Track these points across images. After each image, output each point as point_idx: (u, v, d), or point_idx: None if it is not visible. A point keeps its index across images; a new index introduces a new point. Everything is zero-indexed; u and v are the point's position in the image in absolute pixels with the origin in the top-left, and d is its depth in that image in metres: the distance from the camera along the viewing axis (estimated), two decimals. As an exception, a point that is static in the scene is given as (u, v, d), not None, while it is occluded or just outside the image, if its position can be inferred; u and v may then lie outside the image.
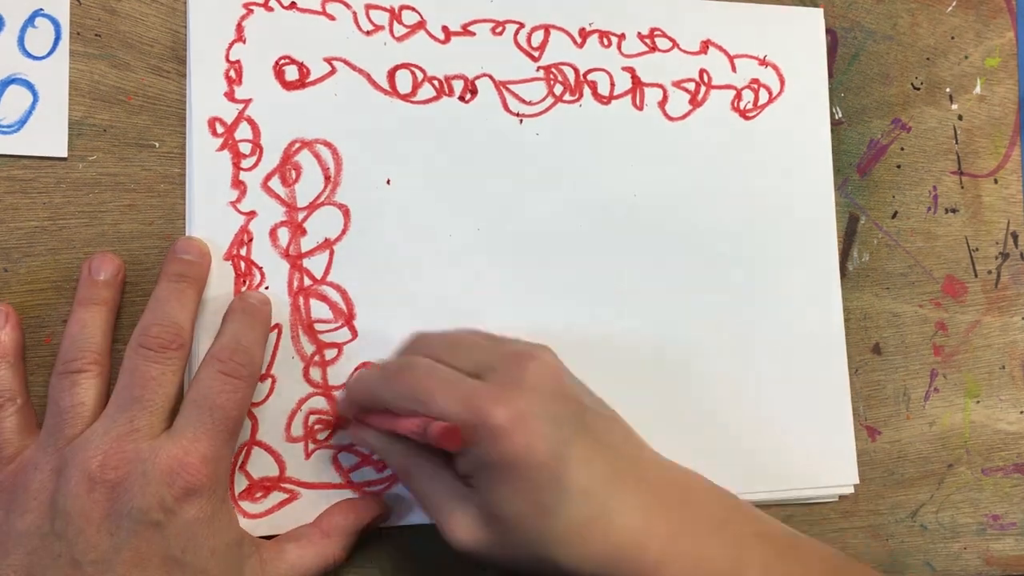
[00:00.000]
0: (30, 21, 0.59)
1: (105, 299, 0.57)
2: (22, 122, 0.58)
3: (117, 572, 0.50)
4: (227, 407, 0.54)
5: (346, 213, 0.62)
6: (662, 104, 0.69)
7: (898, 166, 0.75)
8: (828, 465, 0.70)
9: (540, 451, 0.50)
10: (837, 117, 0.74)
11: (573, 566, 0.50)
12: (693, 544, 0.52)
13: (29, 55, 0.59)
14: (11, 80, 0.58)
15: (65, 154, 0.59)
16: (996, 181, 0.77)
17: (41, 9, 0.59)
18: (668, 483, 0.55)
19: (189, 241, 0.59)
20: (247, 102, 0.61)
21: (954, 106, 0.77)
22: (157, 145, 0.61)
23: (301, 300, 0.61)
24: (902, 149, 0.75)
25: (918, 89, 0.76)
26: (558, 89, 0.67)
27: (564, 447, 0.51)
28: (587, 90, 0.68)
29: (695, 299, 0.68)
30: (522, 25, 0.67)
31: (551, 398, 0.53)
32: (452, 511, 0.53)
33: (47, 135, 0.59)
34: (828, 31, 0.74)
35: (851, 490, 0.70)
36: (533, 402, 0.52)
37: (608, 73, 0.68)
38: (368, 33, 0.64)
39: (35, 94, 0.59)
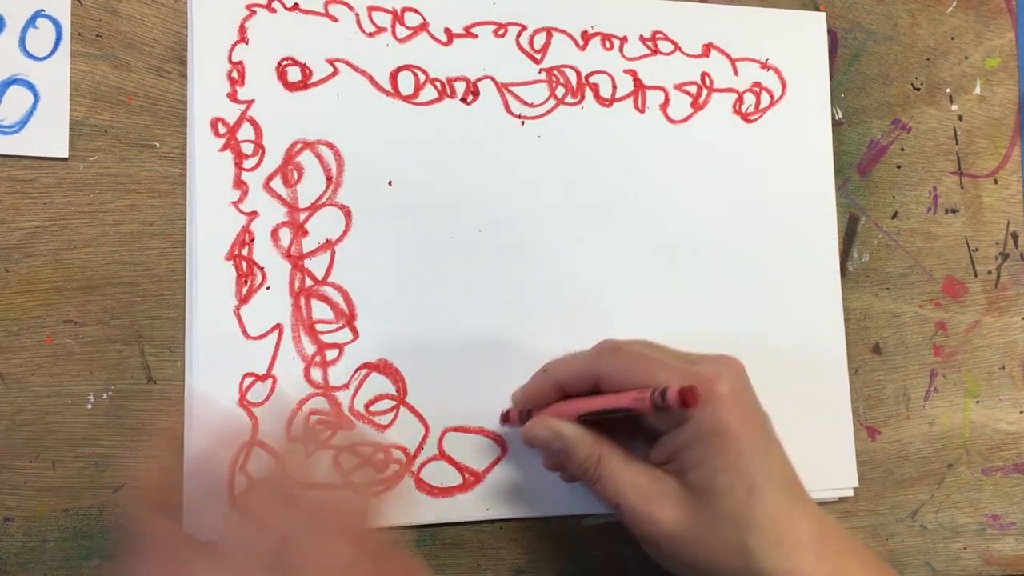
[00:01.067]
0: (31, 22, 0.59)
1: None
2: (23, 122, 0.58)
3: None
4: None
5: (347, 214, 0.62)
6: (664, 107, 0.69)
7: (898, 166, 0.75)
8: (828, 467, 0.70)
9: (754, 427, 0.54)
10: (837, 117, 0.74)
11: (764, 564, 0.52)
12: (854, 569, 0.54)
13: (30, 55, 0.59)
14: (12, 80, 0.58)
15: (66, 154, 0.59)
16: (996, 181, 0.77)
17: (42, 10, 0.59)
18: (822, 513, 0.56)
19: None
20: (249, 103, 0.62)
21: (954, 106, 0.77)
22: (158, 145, 0.61)
23: (302, 300, 0.61)
24: (902, 149, 0.75)
25: (918, 90, 0.76)
26: (560, 91, 0.67)
27: (766, 433, 0.55)
28: (589, 92, 0.68)
29: (696, 300, 0.68)
30: (524, 27, 0.67)
31: (751, 391, 0.56)
32: (650, 495, 0.55)
33: (48, 135, 0.59)
34: (828, 32, 0.74)
35: (852, 484, 0.70)
36: (746, 385, 0.56)
37: (610, 76, 0.68)
38: (370, 35, 0.64)
39: (36, 94, 0.59)
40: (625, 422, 0.57)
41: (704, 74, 0.70)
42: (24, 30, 0.59)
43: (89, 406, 0.59)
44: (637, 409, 0.54)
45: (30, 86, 0.59)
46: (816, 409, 0.70)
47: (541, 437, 0.59)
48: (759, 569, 0.52)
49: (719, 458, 0.53)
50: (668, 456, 0.55)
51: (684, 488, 0.55)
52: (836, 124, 0.73)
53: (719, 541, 0.53)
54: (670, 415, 0.54)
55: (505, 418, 0.63)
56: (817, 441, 0.69)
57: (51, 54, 0.59)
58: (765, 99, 0.71)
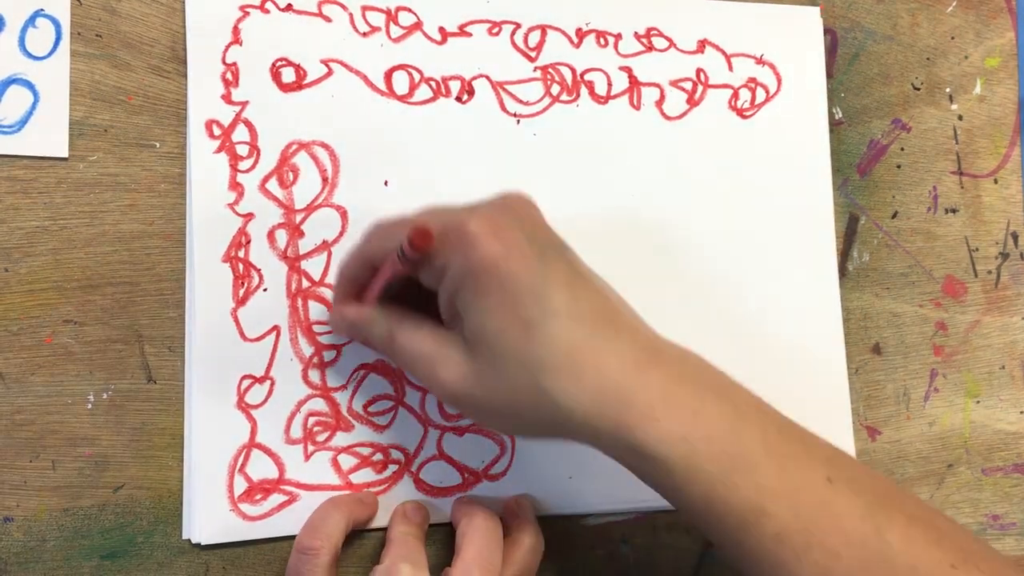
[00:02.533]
0: (31, 21, 0.59)
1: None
2: (23, 122, 0.58)
3: None
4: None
5: (344, 215, 0.63)
6: (659, 104, 0.69)
7: (898, 166, 0.75)
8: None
9: (518, 259, 0.49)
10: (837, 117, 0.73)
11: (566, 402, 0.49)
12: (689, 399, 0.50)
13: (30, 55, 0.59)
14: (12, 80, 0.58)
15: (66, 154, 0.59)
16: (996, 181, 0.77)
17: (42, 9, 0.59)
18: (663, 344, 0.53)
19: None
20: (244, 104, 0.62)
21: (954, 106, 0.77)
22: (158, 145, 0.61)
23: (299, 302, 0.61)
24: (902, 149, 0.75)
25: (918, 89, 0.76)
26: (555, 89, 0.67)
27: (545, 265, 0.50)
28: (584, 90, 0.68)
29: (694, 299, 0.68)
30: (519, 25, 0.67)
31: (531, 224, 0.52)
32: (436, 357, 0.53)
33: (48, 135, 0.59)
34: (828, 31, 0.73)
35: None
36: (510, 219, 0.50)
37: (605, 73, 0.68)
38: (364, 34, 0.64)
39: (36, 94, 0.59)
40: (428, 294, 0.54)
41: (699, 70, 0.70)
42: (24, 30, 0.59)
43: (89, 406, 0.59)
44: (402, 271, 0.52)
45: (30, 86, 0.59)
46: (816, 409, 0.69)
47: (342, 327, 0.60)
48: (565, 408, 0.49)
49: (483, 299, 0.49)
50: (448, 313, 0.52)
51: (466, 344, 0.51)
52: (836, 124, 0.73)
53: (512, 388, 0.50)
54: (431, 269, 0.51)
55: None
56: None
57: (51, 54, 0.59)
58: (760, 95, 0.71)
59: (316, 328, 0.62)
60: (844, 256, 0.72)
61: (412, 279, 0.53)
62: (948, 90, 0.77)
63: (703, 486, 0.49)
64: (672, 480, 0.49)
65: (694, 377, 0.51)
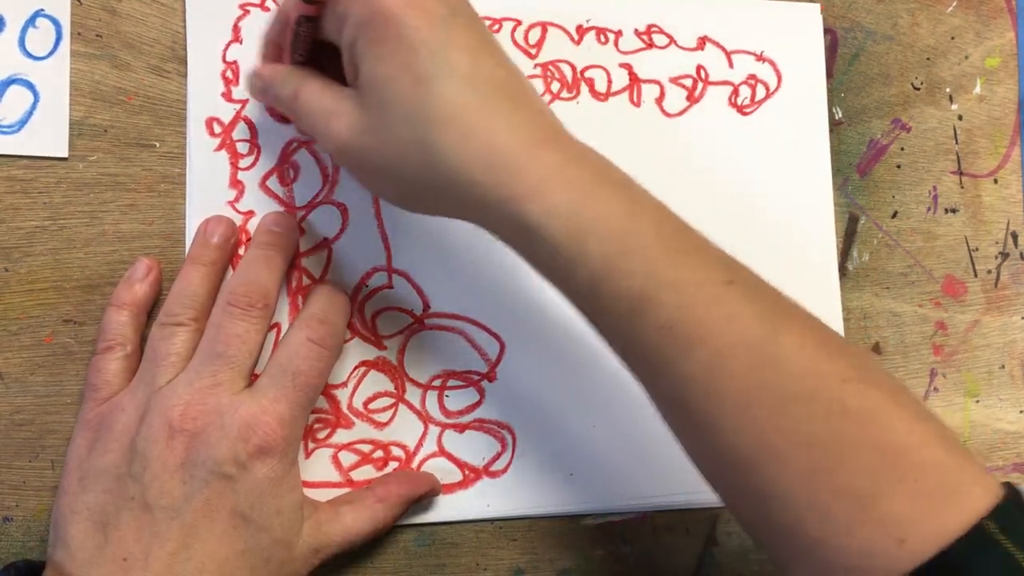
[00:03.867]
0: (31, 21, 0.59)
1: (214, 260, 0.58)
2: (23, 122, 0.58)
3: (186, 520, 0.51)
4: (310, 374, 0.55)
5: (344, 212, 0.62)
6: (659, 100, 0.69)
7: (898, 166, 0.75)
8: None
9: (420, 13, 0.48)
10: (837, 117, 0.73)
11: (453, 162, 0.47)
12: (585, 180, 0.48)
13: (30, 55, 0.59)
14: (12, 80, 0.58)
15: (66, 154, 0.59)
16: (996, 181, 0.77)
17: (42, 9, 0.59)
18: (565, 132, 0.51)
19: (279, 216, 0.60)
20: (244, 102, 0.62)
21: (954, 106, 0.77)
22: (157, 145, 0.61)
23: (300, 299, 0.61)
24: (902, 149, 0.75)
25: (918, 89, 0.76)
26: (555, 86, 0.67)
27: (449, 26, 0.48)
28: (584, 87, 0.68)
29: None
30: (519, 22, 0.67)
31: None
32: (332, 110, 0.51)
33: (48, 135, 0.59)
34: (828, 31, 0.73)
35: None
36: None
37: (605, 70, 0.68)
38: (365, 32, 0.64)
39: (36, 94, 0.59)
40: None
41: (699, 67, 0.70)
42: (24, 30, 0.59)
43: (88, 405, 0.59)
44: (303, 11, 0.52)
45: (30, 86, 0.59)
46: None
47: (253, 86, 0.59)
48: (447, 169, 0.47)
49: (377, 47, 0.48)
50: (350, 67, 0.51)
51: (360, 95, 0.50)
52: (836, 124, 0.73)
53: (397, 140, 0.48)
54: (333, 16, 0.51)
55: None
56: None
57: (51, 54, 0.59)
58: (761, 91, 0.71)
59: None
60: (844, 256, 0.72)
61: (325, 46, 0.53)
62: (948, 90, 0.77)
63: (590, 268, 0.47)
64: (558, 261, 0.48)
65: (593, 165, 0.49)
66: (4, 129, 0.58)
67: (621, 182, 0.50)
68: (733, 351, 0.46)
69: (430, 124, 0.47)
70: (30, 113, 0.59)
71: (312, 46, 0.55)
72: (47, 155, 0.59)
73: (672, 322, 0.47)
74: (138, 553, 0.50)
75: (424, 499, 0.62)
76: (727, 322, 0.47)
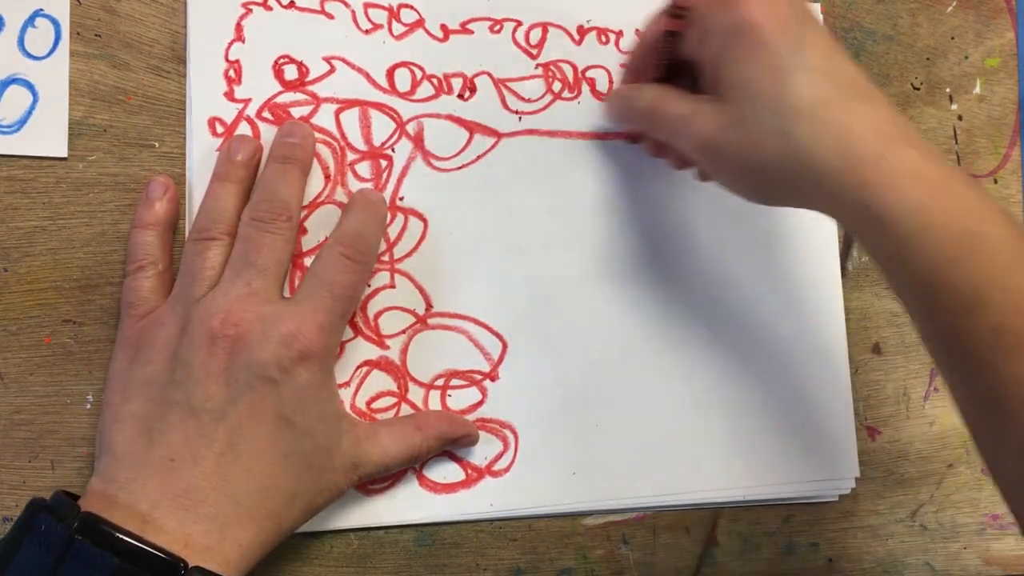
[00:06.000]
0: (30, 21, 0.59)
1: (240, 177, 0.59)
2: (22, 122, 0.58)
3: (231, 421, 0.52)
4: (346, 286, 0.57)
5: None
6: (661, 101, 0.69)
7: (898, 166, 0.75)
8: (828, 464, 0.70)
9: (779, 18, 0.52)
10: (837, 117, 0.73)
11: (810, 151, 0.51)
12: (936, 175, 0.50)
13: (29, 55, 0.59)
14: (11, 80, 0.58)
15: (65, 154, 0.59)
16: (996, 181, 0.77)
17: (41, 9, 0.59)
18: (914, 127, 0.54)
19: (293, 124, 0.61)
20: (247, 101, 0.61)
21: (954, 106, 0.77)
22: (157, 145, 0.61)
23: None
24: (902, 149, 0.75)
25: (918, 89, 0.76)
26: (557, 86, 0.67)
27: (803, 29, 0.53)
28: (586, 87, 0.68)
29: (694, 299, 0.68)
30: (520, 23, 0.67)
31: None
32: (693, 113, 0.56)
33: (47, 135, 0.59)
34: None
35: (852, 483, 0.71)
36: None
37: (607, 70, 0.68)
38: (367, 32, 0.64)
39: (35, 94, 0.59)
40: (689, 75, 0.59)
41: (700, 67, 0.70)
42: (23, 29, 0.59)
43: (88, 406, 0.59)
44: (667, 28, 0.58)
45: (29, 85, 0.59)
46: (817, 409, 0.69)
47: (613, 106, 0.65)
48: (806, 158, 0.51)
49: (744, 52, 0.53)
50: (711, 79, 0.56)
51: (721, 99, 0.55)
52: (836, 124, 0.73)
53: (759, 131, 0.53)
54: (699, 35, 0.56)
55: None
56: (818, 440, 0.69)
57: (50, 53, 0.59)
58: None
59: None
60: (844, 256, 0.72)
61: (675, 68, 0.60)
62: (948, 90, 0.77)
63: (931, 262, 0.49)
64: (902, 251, 0.50)
65: (943, 164, 0.51)
66: (3, 129, 0.58)
67: (968, 183, 0.51)
68: None
69: (790, 115, 0.51)
70: (29, 113, 0.59)
71: (668, 66, 0.61)
72: (46, 155, 0.59)
73: (1004, 324, 0.48)
74: (186, 454, 0.52)
75: (460, 444, 0.63)
76: None
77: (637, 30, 0.69)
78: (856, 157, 0.50)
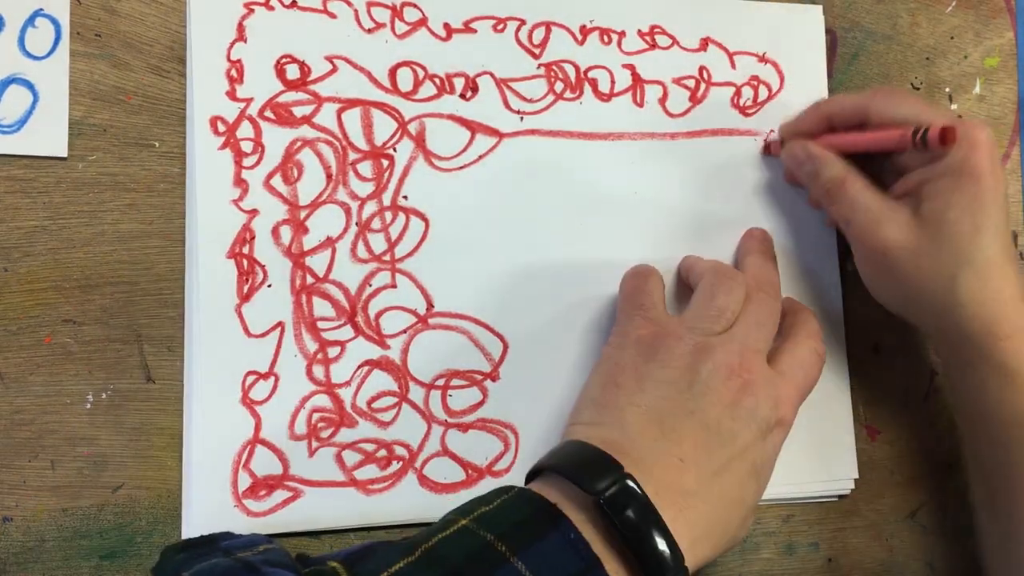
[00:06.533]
0: (30, 21, 0.59)
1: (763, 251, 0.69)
2: (22, 122, 0.58)
3: (727, 451, 0.55)
4: (813, 378, 0.62)
5: (347, 211, 0.62)
6: (662, 101, 0.69)
7: (898, 166, 0.75)
8: (828, 465, 0.70)
9: (997, 178, 0.61)
10: (837, 117, 0.74)
11: (966, 298, 0.61)
12: None
13: (29, 55, 0.59)
14: (11, 80, 0.58)
15: (65, 154, 0.59)
16: (996, 181, 0.77)
17: (41, 9, 0.59)
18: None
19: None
20: (249, 101, 0.61)
21: (954, 106, 0.77)
22: (157, 145, 0.61)
23: (304, 298, 0.61)
24: (902, 149, 0.75)
25: (918, 89, 0.76)
26: (559, 86, 0.67)
27: (1003, 200, 0.61)
28: (588, 87, 0.68)
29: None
30: (523, 22, 0.67)
31: (1000, 159, 0.63)
32: (882, 215, 0.63)
33: (47, 135, 0.59)
34: (828, 31, 0.74)
35: (851, 484, 0.71)
36: (995, 144, 0.62)
37: (608, 70, 0.68)
38: (369, 31, 0.64)
39: (35, 94, 0.59)
40: (877, 157, 0.66)
41: (702, 68, 0.70)
42: (23, 29, 0.59)
43: (88, 405, 0.59)
44: (899, 147, 0.62)
45: (29, 85, 0.59)
46: (817, 409, 0.69)
47: (798, 156, 0.67)
48: (960, 302, 0.60)
49: (958, 194, 0.60)
50: (909, 190, 0.63)
51: (915, 217, 0.62)
52: (836, 124, 0.73)
53: (935, 267, 0.61)
54: (923, 154, 0.62)
55: (767, 149, 0.71)
56: (818, 440, 0.70)
57: (50, 53, 0.59)
58: (763, 92, 0.71)
59: (320, 324, 0.61)
60: (844, 256, 0.72)
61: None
62: (948, 90, 0.77)
63: None
64: (1004, 392, 0.61)
65: None
66: (4, 129, 0.58)
67: None
68: None
69: (968, 267, 0.60)
70: (29, 113, 0.59)
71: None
72: (47, 155, 0.59)
73: None
74: (693, 460, 0.54)
75: None
76: None
77: (709, 40, 0.71)
78: (995, 312, 0.60)
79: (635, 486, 0.50)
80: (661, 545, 0.49)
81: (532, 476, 0.54)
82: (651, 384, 0.58)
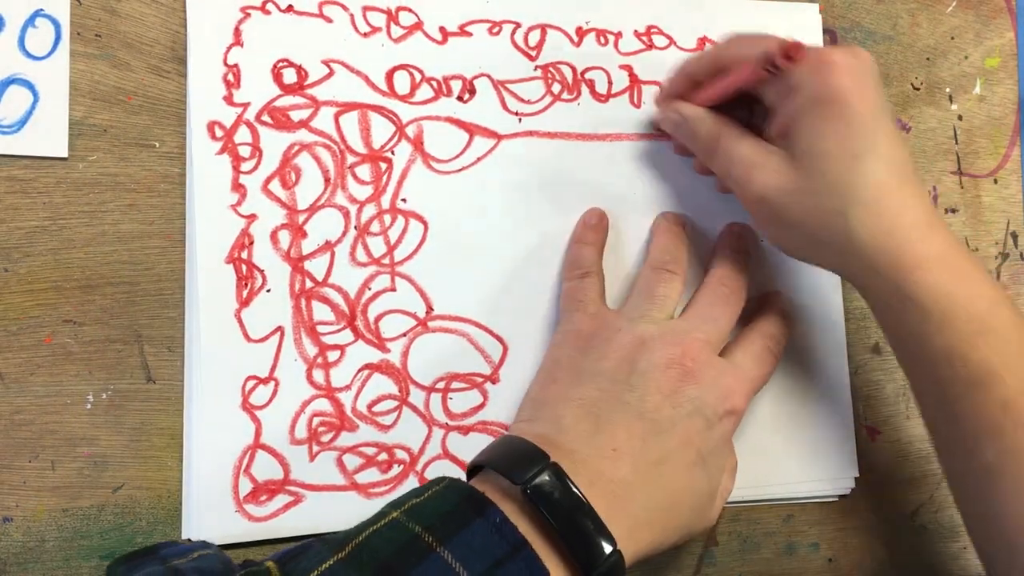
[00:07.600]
0: (30, 21, 0.59)
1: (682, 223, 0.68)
2: (22, 122, 0.58)
3: (666, 441, 0.56)
4: (766, 372, 0.63)
5: (346, 215, 0.62)
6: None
7: (898, 166, 0.75)
8: (828, 465, 0.70)
9: (864, 99, 0.56)
10: (837, 117, 0.73)
11: (863, 232, 0.56)
12: (963, 264, 0.56)
13: (29, 55, 0.59)
14: (11, 80, 0.58)
15: (65, 154, 0.59)
16: (996, 181, 0.77)
17: (41, 9, 0.59)
18: (941, 218, 0.59)
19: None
20: (246, 105, 0.61)
21: (954, 106, 0.77)
22: (157, 145, 0.61)
23: (303, 302, 0.61)
24: (902, 149, 0.75)
25: (918, 89, 0.76)
26: (556, 88, 0.67)
27: (880, 114, 0.57)
28: (585, 88, 0.68)
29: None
30: (519, 25, 0.67)
31: (876, 77, 0.58)
32: (757, 162, 0.60)
33: (47, 135, 0.59)
34: (828, 31, 0.73)
35: (852, 483, 0.71)
36: (865, 64, 0.57)
37: (606, 71, 0.68)
38: (365, 35, 0.64)
39: (35, 94, 0.59)
40: (746, 104, 0.63)
41: (700, 67, 0.70)
42: (23, 29, 0.59)
43: (88, 406, 0.59)
44: (753, 77, 0.58)
45: (29, 86, 0.59)
46: (817, 409, 0.70)
47: (670, 119, 0.66)
48: (857, 239, 0.56)
49: (826, 124, 0.56)
50: (781, 129, 0.59)
51: (790, 158, 0.58)
52: (836, 124, 0.73)
53: (818, 205, 0.57)
54: (783, 86, 0.58)
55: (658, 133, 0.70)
56: (818, 440, 0.70)
57: (50, 54, 0.59)
58: (762, 92, 0.71)
59: (320, 329, 0.61)
60: (844, 256, 0.72)
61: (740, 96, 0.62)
62: (948, 90, 0.77)
63: (950, 340, 0.55)
64: (924, 327, 0.56)
65: (966, 252, 0.57)
66: (4, 129, 0.58)
67: (985, 271, 0.58)
68: None
69: (855, 199, 0.56)
70: (30, 113, 0.59)
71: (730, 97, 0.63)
72: (47, 155, 0.59)
73: (1013, 400, 0.54)
74: (627, 450, 0.55)
75: None
76: None
77: (706, 40, 0.71)
78: (897, 242, 0.55)
79: (558, 473, 0.50)
80: (589, 528, 0.49)
81: (470, 475, 0.55)
82: (588, 377, 0.59)
